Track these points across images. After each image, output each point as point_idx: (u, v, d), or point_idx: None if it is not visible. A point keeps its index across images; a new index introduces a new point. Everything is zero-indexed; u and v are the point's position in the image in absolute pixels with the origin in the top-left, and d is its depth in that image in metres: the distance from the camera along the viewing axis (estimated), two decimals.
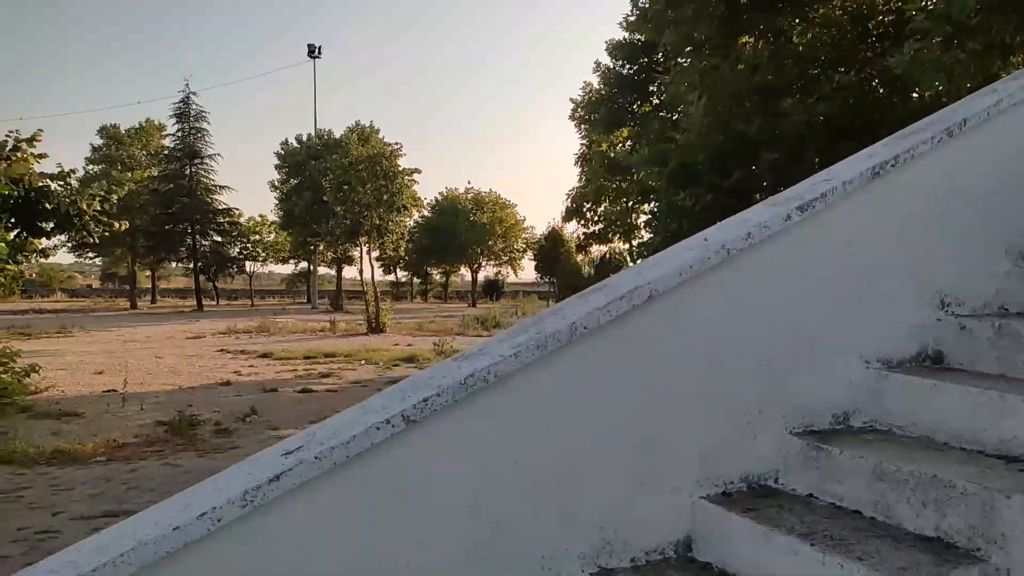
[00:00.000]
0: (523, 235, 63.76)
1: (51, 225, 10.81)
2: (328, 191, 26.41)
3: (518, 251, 64.46)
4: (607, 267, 54.89)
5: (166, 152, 50.94)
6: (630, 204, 20.76)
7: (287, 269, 73.51)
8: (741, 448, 2.44)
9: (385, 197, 25.65)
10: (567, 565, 2.18)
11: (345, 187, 25.62)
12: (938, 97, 7.21)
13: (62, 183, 10.43)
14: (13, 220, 10.20)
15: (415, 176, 25.92)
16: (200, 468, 7.78)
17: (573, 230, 21.40)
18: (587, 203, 20.46)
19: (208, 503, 1.85)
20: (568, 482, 2.20)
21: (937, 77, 5.54)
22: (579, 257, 35.65)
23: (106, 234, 11.38)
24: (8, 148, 10.03)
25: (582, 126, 16.16)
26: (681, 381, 2.35)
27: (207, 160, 48.69)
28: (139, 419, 10.54)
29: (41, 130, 10.39)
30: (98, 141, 53.44)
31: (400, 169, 25.67)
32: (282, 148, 49.69)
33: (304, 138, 50.20)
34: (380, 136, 40.72)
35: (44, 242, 10.62)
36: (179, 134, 48.74)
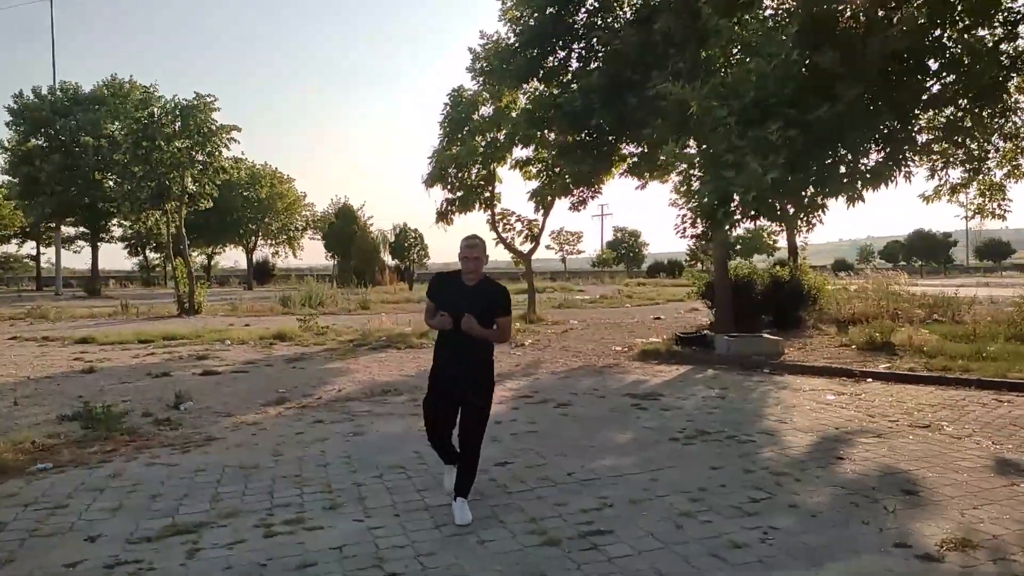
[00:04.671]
0: (304, 211, 59.85)
1: None
2: (125, 149, 22.09)
3: (297, 230, 60.41)
4: (402, 245, 53.66)
5: None
6: (491, 167, 20.20)
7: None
8: None
9: (200, 157, 22.14)
10: None
11: (146, 144, 21.67)
12: None
13: None
14: None
15: (234, 134, 22.67)
16: (201, 464, 6.05)
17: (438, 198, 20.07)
18: (451, 167, 19.45)
19: None
20: None
21: None
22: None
23: None
24: None
25: (482, 78, 15.17)
26: None
27: None
28: (25, 416, 7.92)
29: None
30: None
31: (217, 126, 22.32)
32: (16, 102, 41.25)
33: (44, 91, 42.26)
34: (154, 93, 35.48)
35: None
36: None
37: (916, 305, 17.62)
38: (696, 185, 7.34)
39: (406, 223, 53.14)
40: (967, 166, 11.63)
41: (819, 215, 7.84)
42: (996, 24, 9.90)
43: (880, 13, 7.07)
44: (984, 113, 11.45)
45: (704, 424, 7.34)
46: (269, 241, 60.56)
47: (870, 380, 9.99)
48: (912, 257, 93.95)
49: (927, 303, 17.82)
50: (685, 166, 7.86)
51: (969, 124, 11.58)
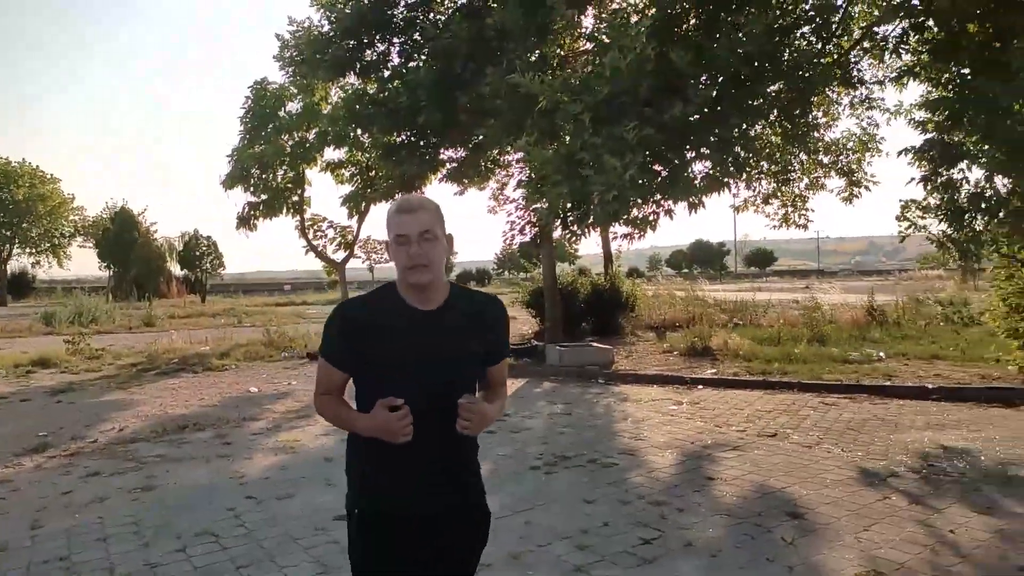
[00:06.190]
0: (72, 216, 52.76)
1: None
2: None
3: (64, 236, 53.10)
4: (192, 254, 48.97)
5: None
6: (300, 169, 18.67)
7: None
8: None
9: None
10: None
11: None
12: None
13: None
14: None
15: None
16: None
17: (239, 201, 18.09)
18: (254, 168, 17.57)
19: None
20: None
21: None
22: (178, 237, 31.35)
23: None
24: None
25: (292, 68, 13.59)
26: None
27: None
28: None
29: None
30: None
31: None
32: None
33: None
34: None
35: None
36: None
37: (719, 310, 18.65)
38: (545, 187, 6.76)
39: (197, 230, 48.82)
40: (779, 177, 12.22)
41: (660, 221, 7.57)
42: (808, 35, 10.34)
43: (725, 15, 6.95)
44: (791, 126, 12.07)
45: (560, 447, 6.74)
46: (28, 249, 52.76)
47: (701, 387, 10.03)
48: (693, 264, 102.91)
49: (728, 308, 18.92)
50: (534, 166, 7.25)
51: (780, 135, 12.17)
